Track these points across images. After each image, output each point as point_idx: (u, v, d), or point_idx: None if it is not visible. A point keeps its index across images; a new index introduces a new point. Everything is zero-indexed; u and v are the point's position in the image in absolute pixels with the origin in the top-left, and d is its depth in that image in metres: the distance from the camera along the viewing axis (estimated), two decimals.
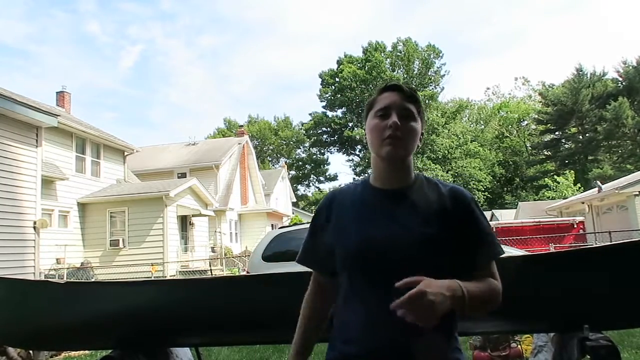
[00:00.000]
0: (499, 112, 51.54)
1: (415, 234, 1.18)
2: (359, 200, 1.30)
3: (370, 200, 1.29)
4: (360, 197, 1.31)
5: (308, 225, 1.44)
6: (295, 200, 39.30)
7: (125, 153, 18.15)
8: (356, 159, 50.58)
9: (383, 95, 1.30)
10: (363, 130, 1.26)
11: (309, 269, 1.42)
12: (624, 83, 39.50)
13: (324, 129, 50.63)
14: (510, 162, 47.74)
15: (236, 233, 24.19)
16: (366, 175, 1.41)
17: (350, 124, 47.70)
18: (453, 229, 1.21)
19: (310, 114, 51.52)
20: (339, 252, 1.29)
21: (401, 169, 1.28)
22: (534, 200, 35.55)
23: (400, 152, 1.25)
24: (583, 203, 20.23)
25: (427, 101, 43.58)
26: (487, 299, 1.16)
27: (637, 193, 16.10)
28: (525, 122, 49.79)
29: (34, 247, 9.56)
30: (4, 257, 8.78)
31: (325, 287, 1.37)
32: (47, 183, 13.12)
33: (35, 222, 9.59)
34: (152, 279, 10.64)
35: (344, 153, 51.59)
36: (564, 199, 27.20)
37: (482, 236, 1.24)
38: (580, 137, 41.99)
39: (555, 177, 35.05)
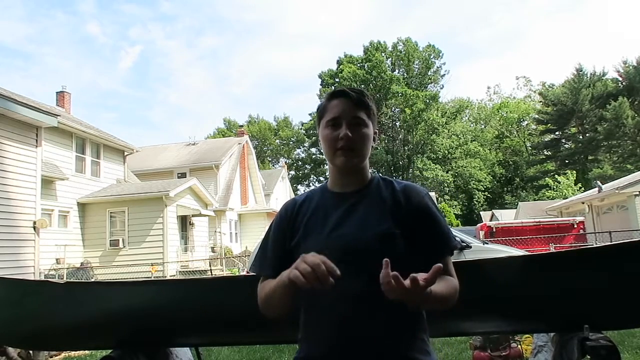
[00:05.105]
0: (499, 112, 51.54)
1: (371, 232, 1.21)
2: (319, 205, 1.33)
3: (329, 204, 1.32)
4: (320, 202, 1.34)
5: None
6: None
7: (125, 153, 18.14)
8: None
9: (332, 103, 1.30)
10: None
11: None
12: (624, 83, 39.53)
13: None
14: (510, 162, 47.75)
15: (236, 233, 24.19)
16: (325, 181, 1.44)
17: None
18: (407, 224, 1.23)
19: (310, 114, 51.60)
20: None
21: (356, 173, 1.31)
22: (534, 200, 35.56)
23: (353, 162, 1.29)
24: (583, 203, 20.23)
25: (427, 101, 43.60)
26: (447, 298, 1.15)
27: (637, 193, 16.10)
28: (525, 122, 49.82)
29: (34, 247, 9.57)
30: (4, 257, 8.79)
31: None
32: (47, 183, 13.12)
33: (35, 222, 9.60)
34: (152, 279, 10.63)
35: None
36: (564, 199, 27.21)
37: (437, 231, 1.25)
38: (581, 137, 42.02)
39: (555, 177, 35.03)
